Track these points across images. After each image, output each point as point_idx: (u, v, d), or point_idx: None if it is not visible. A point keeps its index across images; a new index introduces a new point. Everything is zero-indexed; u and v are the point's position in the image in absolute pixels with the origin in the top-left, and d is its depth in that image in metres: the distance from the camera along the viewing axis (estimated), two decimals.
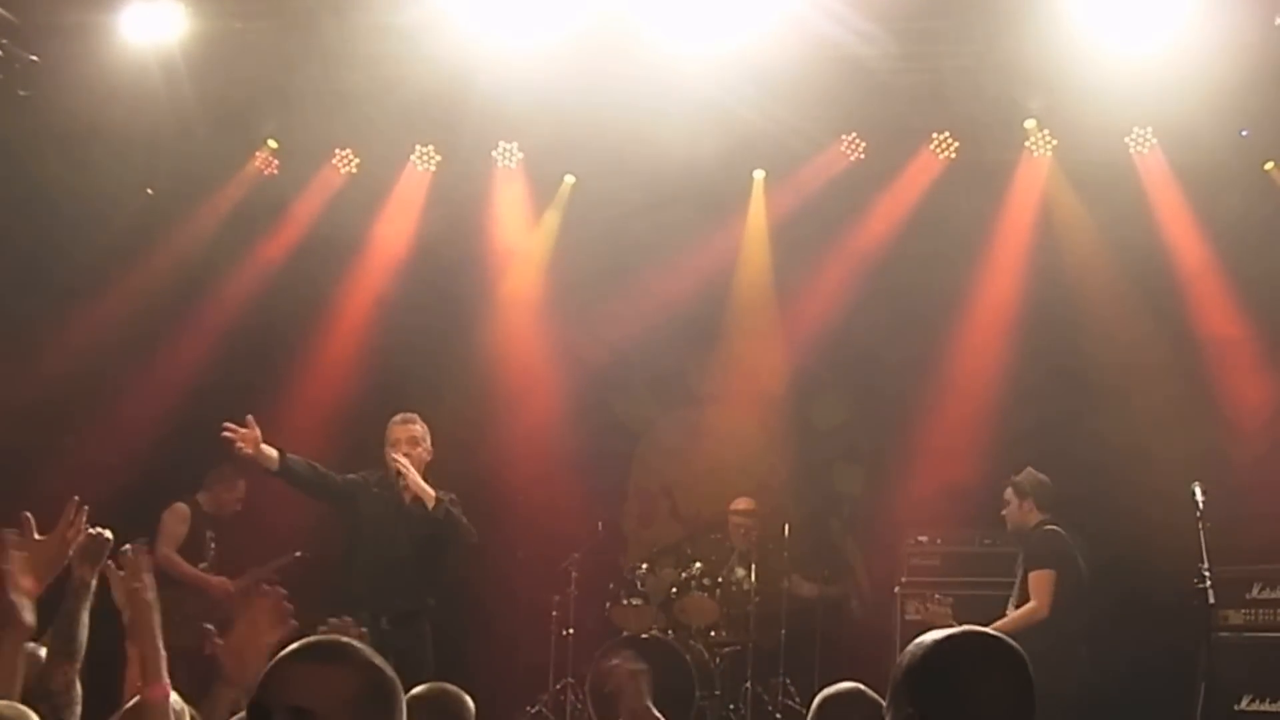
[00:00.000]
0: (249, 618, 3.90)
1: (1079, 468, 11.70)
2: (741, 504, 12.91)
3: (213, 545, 11.79)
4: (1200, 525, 9.22)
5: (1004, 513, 10.54)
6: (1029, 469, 10.56)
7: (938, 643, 3.15)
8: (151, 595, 4.57)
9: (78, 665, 4.77)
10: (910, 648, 3.18)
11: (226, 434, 9.43)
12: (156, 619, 4.56)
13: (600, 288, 13.01)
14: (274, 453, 9.65)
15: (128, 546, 4.79)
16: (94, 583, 5.19)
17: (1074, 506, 11.32)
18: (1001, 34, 10.74)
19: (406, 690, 5.69)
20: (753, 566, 12.49)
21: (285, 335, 13.06)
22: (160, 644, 4.52)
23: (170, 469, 12.24)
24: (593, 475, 13.53)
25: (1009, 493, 10.52)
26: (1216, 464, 10.60)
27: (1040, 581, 10.01)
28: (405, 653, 9.25)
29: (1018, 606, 10.08)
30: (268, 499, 11.86)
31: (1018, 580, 10.23)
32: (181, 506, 11.77)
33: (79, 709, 4.84)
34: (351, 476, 9.97)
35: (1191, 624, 9.52)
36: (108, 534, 5.36)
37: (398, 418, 10.04)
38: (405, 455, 9.84)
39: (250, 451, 9.57)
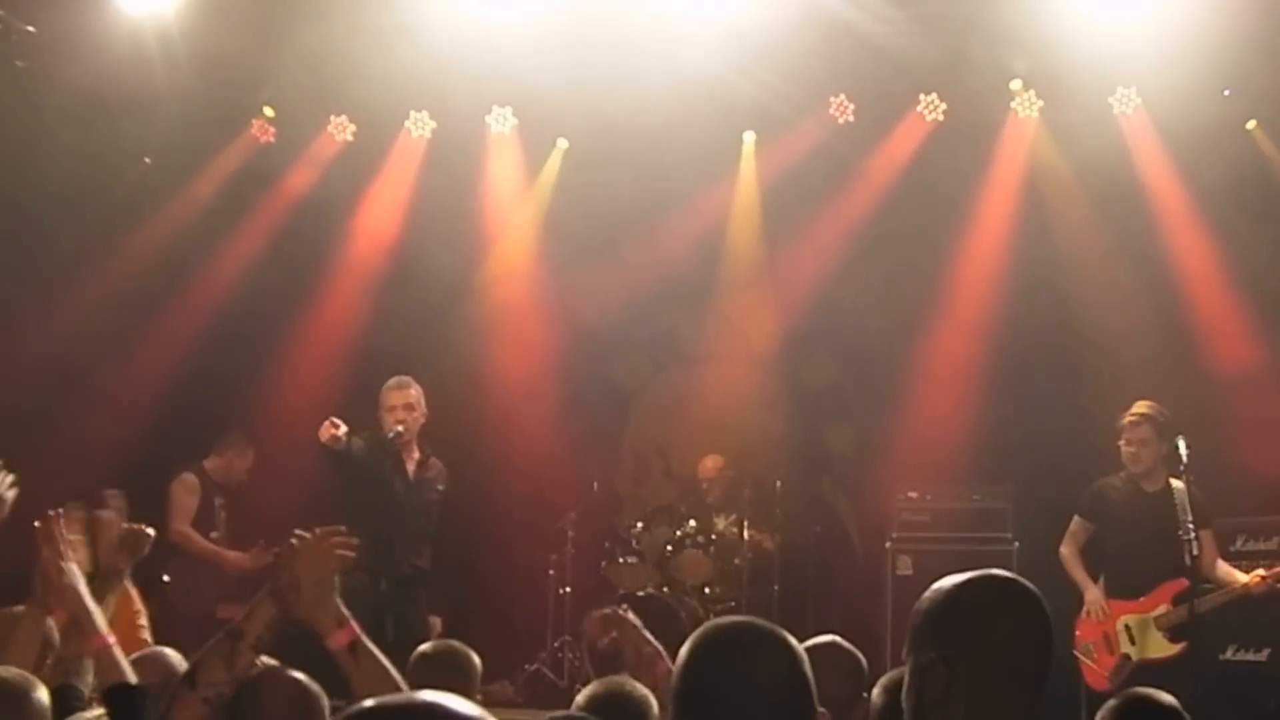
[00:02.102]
0: (309, 553, 3.93)
1: (1065, 422, 11.74)
2: (709, 463, 12.98)
3: (222, 514, 11.61)
4: (1185, 478, 9.24)
5: (1135, 451, 9.68)
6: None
7: (958, 586, 3.17)
8: (65, 562, 4.70)
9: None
10: (929, 592, 3.20)
11: None
12: (74, 581, 4.67)
13: (593, 250, 13.00)
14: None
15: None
16: (127, 570, 5.34)
17: (1061, 460, 11.38)
18: None
19: (410, 650, 5.78)
20: (732, 516, 12.57)
21: (283, 301, 13.01)
22: (87, 601, 4.65)
23: (170, 437, 12.23)
24: (587, 436, 13.55)
25: (1147, 429, 9.65)
26: (1201, 417, 10.59)
27: (1214, 540, 9.67)
28: (403, 614, 9.40)
29: (1195, 558, 9.33)
30: (275, 467, 11.86)
31: (1192, 533, 9.33)
32: (190, 478, 11.56)
33: (90, 677, 4.94)
34: (357, 439, 9.98)
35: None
36: (150, 531, 5.46)
37: (393, 382, 10.05)
38: (401, 420, 9.86)
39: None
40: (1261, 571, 9.40)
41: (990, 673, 3.06)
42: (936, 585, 3.20)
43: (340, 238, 13.20)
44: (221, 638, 3.86)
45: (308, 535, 3.97)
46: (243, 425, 12.17)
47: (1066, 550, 10.00)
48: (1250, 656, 10.08)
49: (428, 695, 1.99)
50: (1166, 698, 4.91)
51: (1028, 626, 3.14)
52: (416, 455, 10.21)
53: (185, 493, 11.51)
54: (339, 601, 3.95)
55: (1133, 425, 9.70)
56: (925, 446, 12.38)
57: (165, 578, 10.87)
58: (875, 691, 4.36)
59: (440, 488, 10.23)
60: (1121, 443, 9.76)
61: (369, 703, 2.00)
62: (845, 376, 13.83)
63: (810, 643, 5.06)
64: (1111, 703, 4.51)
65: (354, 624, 3.92)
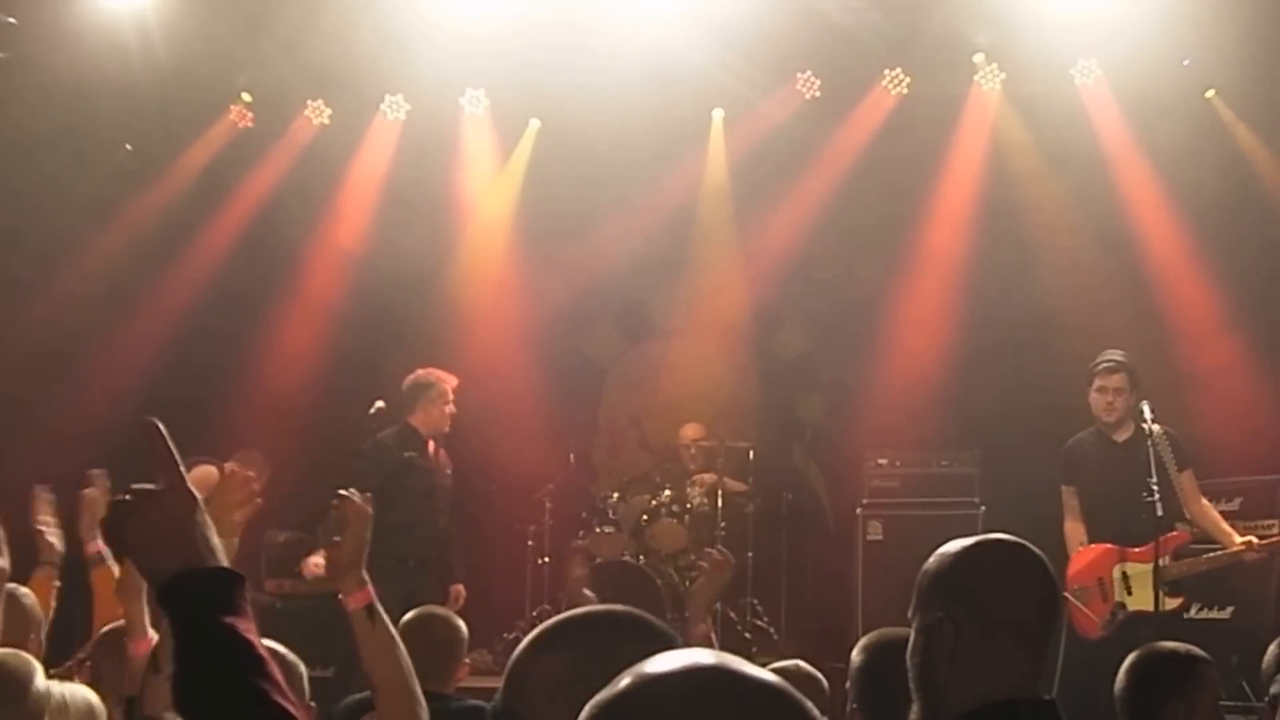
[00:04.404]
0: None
1: (1030, 388, 11.72)
2: (690, 431, 12.92)
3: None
4: (1149, 441, 9.16)
5: (1111, 401, 9.38)
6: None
7: (966, 549, 3.19)
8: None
9: None
10: (936, 555, 3.21)
11: None
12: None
13: (566, 226, 12.96)
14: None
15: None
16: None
17: (1026, 425, 11.36)
18: None
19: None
20: (709, 480, 12.51)
21: (263, 284, 12.94)
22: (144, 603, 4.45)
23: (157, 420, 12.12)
24: (563, 409, 13.50)
25: (1121, 379, 9.36)
26: (1165, 381, 10.59)
27: (1194, 481, 9.49)
28: (417, 588, 9.69)
29: (1165, 503, 8.84)
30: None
31: (1155, 494, 8.77)
32: (212, 471, 11.12)
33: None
34: (384, 443, 10.23)
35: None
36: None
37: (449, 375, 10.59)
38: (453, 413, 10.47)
39: None
40: (1255, 539, 9.25)
41: (997, 633, 3.09)
42: (943, 548, 3.21)
43: (318, 220, 13.12)
44: None
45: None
46: (224, 408, 12.04)
47: (1069, 526, 9.57)
48: (1214, 614, 10.08)
49: (707, 657, 1.69)
50: (1188, 648, 4.90)
51: (1034, 588, 3.17)
52: (433, 442, 10.53)
53: (198, 482, 11.16)
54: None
55: (1107, 372, 9.42)
56: (893, 414, 12.35)
57: None
58: (855, 652, 4.37)
59: (449, 471, 10.61)
60: (1094, 391, 9.47)
61: (652, 667, 1.66)
62: (815, 346, 13.83)
63: (778, 665, 5.08)
64: (1135, 656, 4.54)
65: (371, 589, 3.97)
